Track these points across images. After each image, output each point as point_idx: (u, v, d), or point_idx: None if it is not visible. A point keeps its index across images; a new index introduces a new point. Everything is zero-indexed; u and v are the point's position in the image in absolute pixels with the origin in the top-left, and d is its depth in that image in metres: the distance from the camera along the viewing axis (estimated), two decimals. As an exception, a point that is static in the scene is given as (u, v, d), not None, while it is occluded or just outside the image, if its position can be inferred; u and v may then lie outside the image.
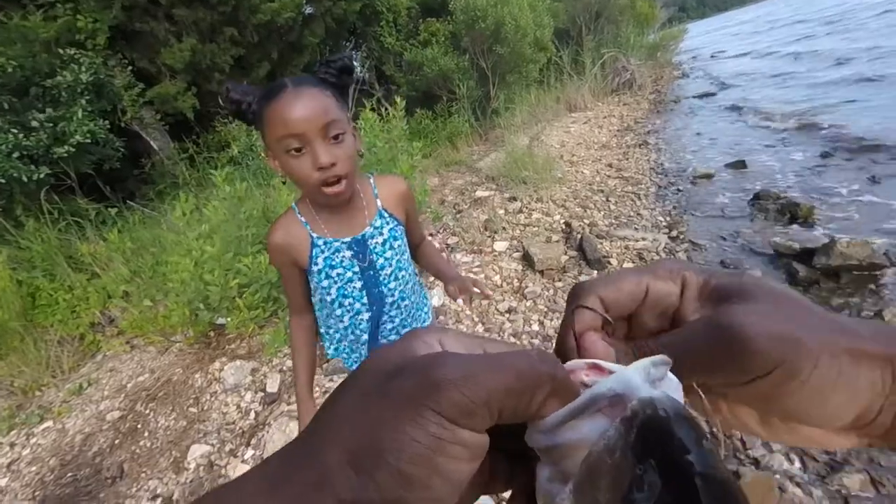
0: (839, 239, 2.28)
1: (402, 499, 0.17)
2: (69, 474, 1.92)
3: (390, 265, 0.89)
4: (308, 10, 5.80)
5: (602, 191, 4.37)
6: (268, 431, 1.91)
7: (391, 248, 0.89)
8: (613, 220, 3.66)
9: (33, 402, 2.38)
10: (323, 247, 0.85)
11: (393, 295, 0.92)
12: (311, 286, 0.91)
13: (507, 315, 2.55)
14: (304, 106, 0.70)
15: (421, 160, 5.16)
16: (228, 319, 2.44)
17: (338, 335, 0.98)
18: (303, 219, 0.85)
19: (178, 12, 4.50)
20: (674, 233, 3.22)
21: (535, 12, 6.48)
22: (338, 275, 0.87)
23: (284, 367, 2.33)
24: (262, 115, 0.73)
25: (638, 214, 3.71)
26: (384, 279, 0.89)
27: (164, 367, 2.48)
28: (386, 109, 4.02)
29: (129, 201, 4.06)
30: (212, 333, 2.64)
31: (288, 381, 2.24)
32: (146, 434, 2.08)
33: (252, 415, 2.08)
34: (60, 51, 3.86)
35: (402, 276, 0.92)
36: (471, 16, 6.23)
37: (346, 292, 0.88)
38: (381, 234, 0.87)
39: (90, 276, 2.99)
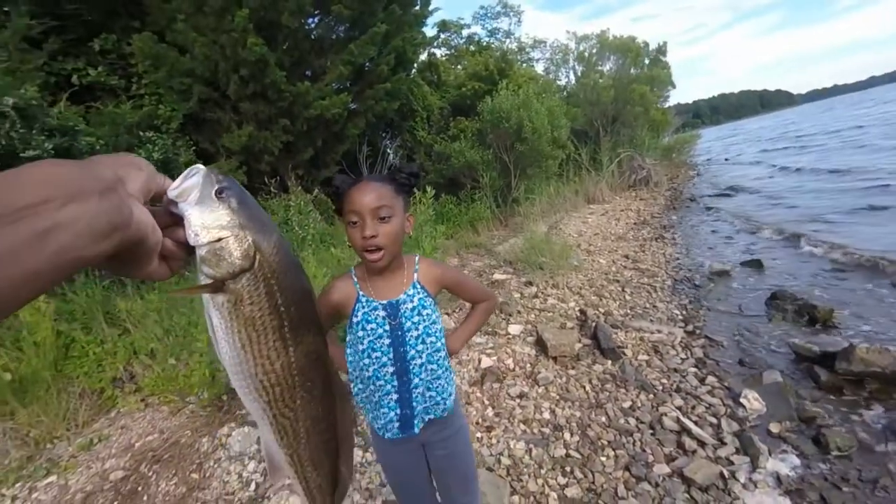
0: (858, 345, 2.25)
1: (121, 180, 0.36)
2: (62, 535, 1.89)
3: (417, 329, 1.03)
4: (352, 105, 6.61)
5: (618, 281, 4.44)
6: (266, 505, 1.87)
7: (419, 314, 1.03)
8: (629, 311, 3.68)
9: (43, 454, 2.40)
10: (364, 303, 1.03)
11: (420, 357, 1.04)
12: (351, 335, 1.07)
13: (518, 400, 2.51)
14: (365, 193, 0.95)
15: (443, 241, 5.43)
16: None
17: (368, 387, 1.08)
18: (355, 279, 1.06)
19: (243, 105, 5.24)
20: (690, 327, 3.21)
21: (551, 115, 7.17)
22: (371, 329, 1.02)
23: (290, 438, 2.32)
24: (344, 197, 0.99)
25: (654, 306, 3.73)
26: (410, 340, 1.03)
27: (174, 428, 2.50)
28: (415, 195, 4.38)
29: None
30: (225, 397, 2.68)
31: (292, 453, 2.21)
32: (145, 498, 2.05)
33: (252, 486, 2.04)
34: (141, 133, 4.49)
35: (430, 342, 1.05)
36: (496, 116, 6.95)
37: (375, 345, 1.02)
38: (412, 301, 1.03)
39: (122, 332, 3.16)
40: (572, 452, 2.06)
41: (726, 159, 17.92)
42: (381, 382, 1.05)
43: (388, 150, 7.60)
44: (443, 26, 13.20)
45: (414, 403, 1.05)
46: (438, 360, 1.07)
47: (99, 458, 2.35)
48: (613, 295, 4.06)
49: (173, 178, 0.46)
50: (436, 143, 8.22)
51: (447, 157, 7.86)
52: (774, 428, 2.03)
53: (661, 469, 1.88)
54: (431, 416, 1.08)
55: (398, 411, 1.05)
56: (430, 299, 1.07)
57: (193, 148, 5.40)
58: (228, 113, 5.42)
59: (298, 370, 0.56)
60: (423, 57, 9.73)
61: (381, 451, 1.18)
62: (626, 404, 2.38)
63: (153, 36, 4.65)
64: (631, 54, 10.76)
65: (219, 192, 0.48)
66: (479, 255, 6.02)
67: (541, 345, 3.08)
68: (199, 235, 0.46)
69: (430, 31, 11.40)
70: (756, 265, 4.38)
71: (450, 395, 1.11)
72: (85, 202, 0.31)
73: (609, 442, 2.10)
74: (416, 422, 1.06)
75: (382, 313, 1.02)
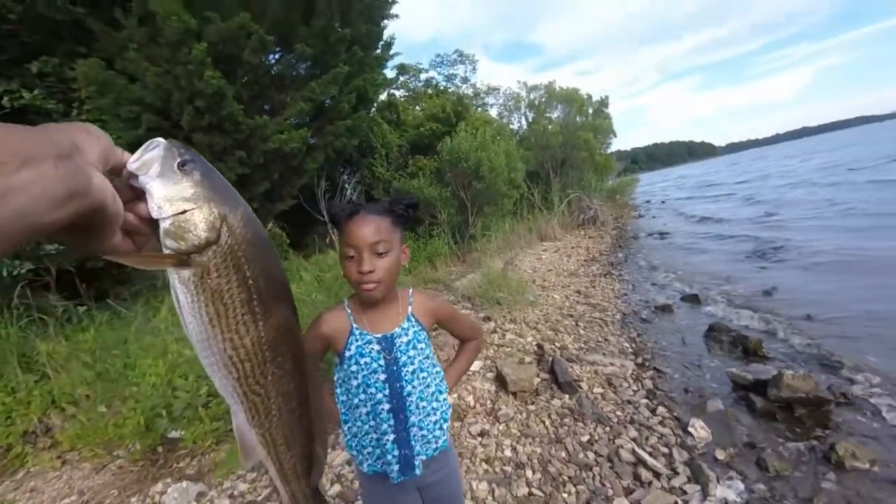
0: (785, 372, 2.47)
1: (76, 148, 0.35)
2: None
3: (412, 364, 1.01)
4: (312, 140, 6.60)
5: (572, 315, 4.60)
6: (205, 572, 1.68)
7: (414, 348, 1.02)
8: (583, 345, 3.81)
9: (-74, 528, 2.02)
10: (358, 336, 1.00)
11: (413, 395, 1.01)
12: (341, 371, 1.02)
13: (479, 438, 2.48)
14: (362, 225, 0.94)
15: (402, 277, 5.41)
16: (183, 432, 2.28)
17: (363, 427, 1.02)
18: (349, 311, 1.03)
19: (197, 136, 5.08)
20: (639, 359, 3.37)
21: (509, 157, 7.57)
22: (365, 363, 0.99)
23: (235, 492, 2.12)
24: (340, 227, 0.98)
25: (606, 340, 3.89)
26: (406, 376, 1.00)
27: (98, 487, 2.21)
28: None
29: (104, 300, 4.00)
30: (160, 449, 2.43)
31: (237, 509, 2.02)
32: (56, 574, 1.77)
33: (190, 550, 1.83)
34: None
35: (423, 378, 1.03)
36: (455, 156, 7.22)
37: (369, 381, 0.99)
38: (406, 335, 1.01)
39: (39, 377, 2.81)
40: (535, 490, 2.05)
41: (662, 202, 19.56)
42: (377, 422, 1.00)
43: (347, 186, 7.60)
44: (402, 69, 13.76)
45: (412, 443, 1.01)
46: (429, 396, 1.05)
47: (-1, 530, 2.01)
48: (568, 329, 4.19)
49: None
50: (394, 180, 8.34)
51: (406, 193, 7.98)
52: (720, 454, 2.14)
53: (621, 503, 1.91)
54: (425, 457, 1.04)
55: (396, 452, 1.01)
56: (425, 333, 1.05)
57: (138, 177, 5.11)
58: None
59: (269, 344, 0.55)
60: (383, 97, 10.03)
61: (374, 493, 1.11)
62: (585, 438, 2.42)
63: (101, 62, 4.47)
64: (576, 104, 11.72)
65: (182, 165, 0.47)
66: (437, 291, 6.03)
67: (500, 380, 3.09)
68: (163, 208, 0.46)
69: (389, 72, 11.83)
70: (694, 300, 4.73)
71: (443, 431, 1.08)
72: (40, 167, 0.30)
73: (570, 478, 2.11)
74: (416, 462, 1.02)
75: (377, 347, 0.99)
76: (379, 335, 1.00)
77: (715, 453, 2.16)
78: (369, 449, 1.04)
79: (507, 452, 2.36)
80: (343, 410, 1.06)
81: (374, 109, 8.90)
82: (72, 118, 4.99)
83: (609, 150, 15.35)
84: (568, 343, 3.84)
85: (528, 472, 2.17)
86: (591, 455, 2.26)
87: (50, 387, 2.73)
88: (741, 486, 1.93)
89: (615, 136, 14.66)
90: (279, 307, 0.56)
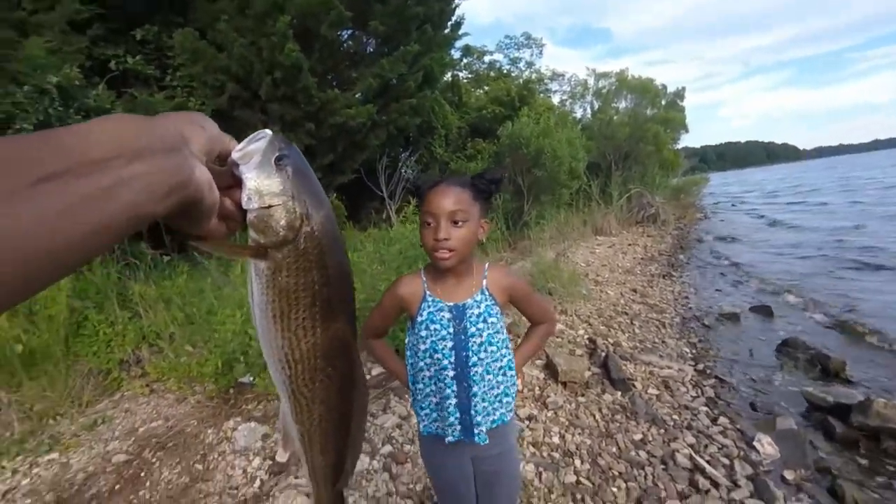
0: (876, 399, 2.25)
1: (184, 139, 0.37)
2: (61, 514, 1.85)
3: (481, 336, 1.02)
4: (376, 116, 6.74)
5: (626, 313, 4.44)
6: (272, 503, 1.84)
7: (484, 321, 1.03)
8: (637, 344, 3.68)
9: (46, 430, 2.36)
10: (430, 303, 1.04)
11: (479, 366, 1.02)
12: (412, 335, 1.07)
13: (527, 422, 2.49)
14: (443, 195, 0.97)
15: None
16: (255, 379, 2.48)
17: (424, 390, 1.08)
18: (424, 278, 1.07)
19: (272, 106, 5.35)
20: (700, 366, 3.20)
21: (571, 146, 7.31)
22: (434, 330, 1.03)
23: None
24: (421, 195, 1.02)
25: (663, 342, 3.72)
26: (473, 346, 1.02)
27: (180, 416, 2.47)
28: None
29: (184, 252, 4.38)
30: (231, 391, 2.66)
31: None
32: (147, 484, 2.01)
33: (257, 482, 2.01)
34: (171, 123, 4.58)
35: (491, 351, 1.04)
36: (515, 141, 7.08)
37: (437, 347, 1.02)
38: (478, 307, 1.03)
39: (132, 315, 3.15)
40: (583, 480, 2.03)
41: (733, 205, 18.14)
42: (439, 386, 1.04)
43: (406, 165, 7.70)
44: (466, 51, 13.57)
45: (473, 412, 1.03)
46: (496, 370, 1.05)
47: (102, 440, 2.31)
48: (622, 327, 4.06)
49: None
50: (452, 161, 8.34)
51: (462, 175, 7.98)
52: (789, 475, 2.01)
53: (675, 505, 1.85)
54: (485, 427, 1.06)
55: (458, 416, 1.04)
56: (497, 308, 1.06)
57: (218, 143, 5.49)
58: (257, 112, 5.53)
59: (322, 353, 0.56)
60: (447, 78, 9.97)
61: (431, 454, 1.16)
62: (637, 437, 2.35)
63: (195, 32, 4.79)
64: (649, 95, 11.02)
65: (278, 160, 0.48)
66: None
67: (550, 369, 3.06)
68: (252, 200, 0.47)
69: (454, 53, 11.72)
70: (765, 311, 4.39)
71: (504, 406, 1.09)
72: (150, 160, 0.31)
73: (620, 473, 2.07)
74: (475, 430, 1.04)
75: (448, 315, 1.02)
76: (451, 304, 1.03)
77: (783, 473, 2.03)
78: (427, 410, 1.09)
79: (556, 439, 2.35)
80: (410, 372, 1.10)
81: (437, 90, 8.89)
82: (165, 83, 5.42)
83: (677, 147, 14.43)
84: (622, 340, 3.71)
85: (577, 462, 2.15)
86: (643, 454, 2.21)
87: (141, 324, 3.05)
88: (812, 510, 1.81)
89: (687, 131, 13.73)
90: (340, 319, 0.57)
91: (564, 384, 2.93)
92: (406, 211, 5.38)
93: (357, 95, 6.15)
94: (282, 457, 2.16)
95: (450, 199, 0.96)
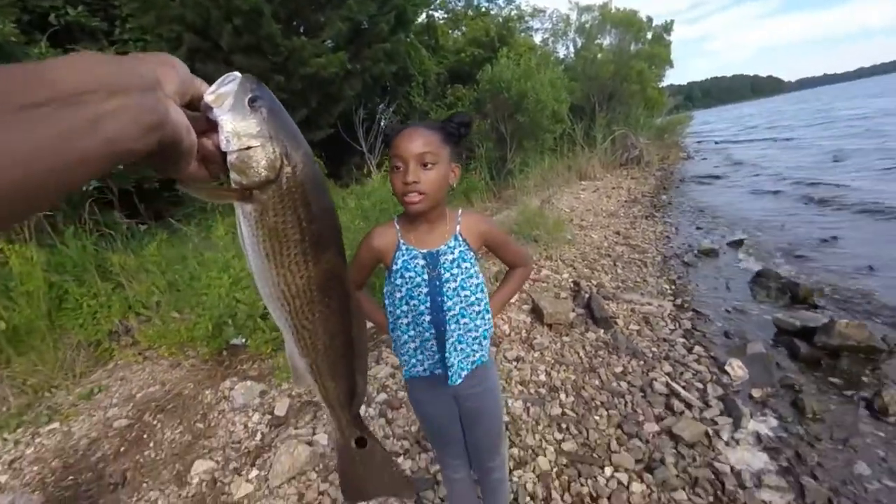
0: (838, 320, 2.39)
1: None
2: (70, 477, 1.92)
3: (454, 281, 1.04)
4: (349, 65, 6.38)
5: (609, 255, 4.54)
6: (274, 453, 1.93)
7: (458, 266, 1.05)
8: (620, 284, 3.79)
9: (43, 402, 2.40)
10: (404, 251, 1.05)
11: (454, 310, 1.05)
12: (389, 284, 1.09)
13: (514, 363, 2.60)
14: (410, 139, 0.96)
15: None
16: (246, 340, 2.52)
17: (402, 336, 1.11)
18: (398, 227, 1.07)
19: (237, 58, 5.00)
20: (679, 301, 3.33)
21: (554, 88, 7.07)
22: (409, 277, 1.04)
23: (293, 393, 2.37)
24: (390, 141, 1.00)
25: (644, 280, 3.85)
26: (447, 291, 1.04)
27: (176, 380, 2.53)
28: None
29: (161, 219, 4.27)
30: (224, 353, 2.70)
31: (296, 406, 2.27)
32: (151, 444, 2.09)
33: (259, 436, 2.10)
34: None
35: (465, 296, 1.06)
36: (496, 86, 6.81)
37: (412, 294, 1.04)
38: (452, 253, 1.04)
39: (115, 286, 3.11)
40: (568, 411, 2.17)
41: (716, 143, 18.10)
42: (417, 331, 1.07)
43: (384, 116, 7.40)
44: (441, -13, 12.65)
45: (449, 354, 1.07)
46: (472, 313, 1.08)
47: (101, 407, 2.36)
48: (605, 268, 4.16)
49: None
50: (432, 111, 8.04)
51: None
52: (756, 393, 2.17)
53: (651, 427, 2.00)
54: (464, 370, 1.09)
55: (436, 354, 1.08)
56: (471, 252, 1.07)
57: (181, 101, 5.17)
58: (220, 65, 5.17)
59: (317, 285, 0.58)
60: (422, 19, 9.36)
61: (416, 395, 1.20)
62: (618, 369, 2.49)
63: (139, -24, 4.35)
64: (633, 29, 10.56)
65: (252, 101, 0.48)
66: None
67: (536, 312, 3.17)
68: (230, 142, 0.47)
69: (428, -10, 10.90)
70: (741, 245, 4.53)
71: (482, 348, 1.12)
72: (127, 97, 0.31)
73: (602, 403, 2.21)
74: (451, 372, 1.07)
75: (422, 262, 1.03)
76: (424, 251, 1.03)
77: (751, 391, 2.19)
78: (407, 356, 1.12)
79: (542, 377, 2.47)
80: (390, 320, 1.13)
81: (411, 33, 8.37)
82: (115, 37, 4.99)
83: (662, 84, 14.06)
84: (605, 281, 3.83)
85: (562, 395, 2.28)
86: (623, 385, 2.35)
87: (125, 294, 3.03)
88: (775, 422, 1.97)
89: (672, 66, 13.32)
90: (329, 251, 0.58)
91: (550, 326, 3.04)
92: (386, 164, 5.25)
93: (327, 42, 5.77)
94: (298, 388, 2.20)
95: (418, 142, 0.95)
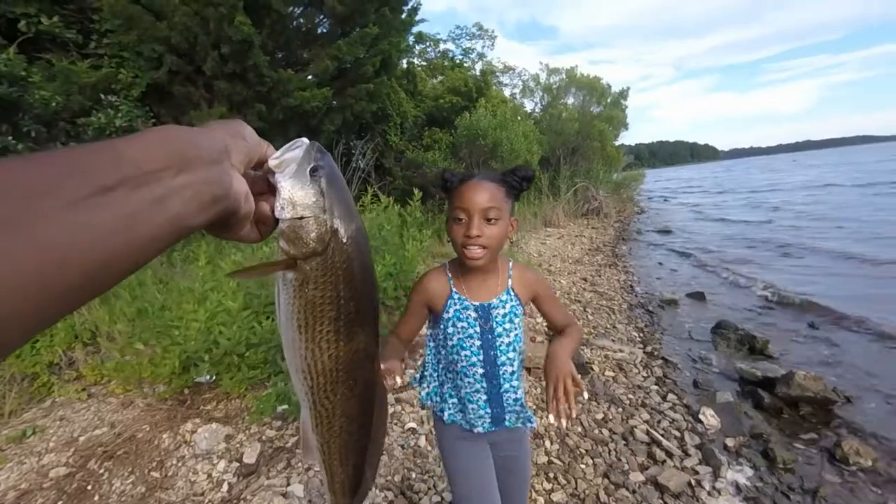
0: (797, 371, 2.58)
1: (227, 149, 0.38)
2: (-9, 539, 1.63)
3: (508, 336, 1.03)
4: (332, 101, 6.46)
5: (579, 301, 4.69)
6: (245, 507, 1.75)
7: (510, 321, 1.03)
8: (592, 329, 3.91)
9: (-38, 445, 2.06)
10: (456, 300, 1.03)
11: (511, 364, 1.04)
12: (438, 331, 1.07)
13: (497, 408, 2.56)
14: (476, 191, 0.95)
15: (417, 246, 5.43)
16: (210, 377, 2.33)
17: (451, 381, 1.08)
18: (450, 275, 1.06)
19: (219, 84, 4.94)
20: (649, 348, 3.47)
21: (527, 140, 7.50)
22: (461, 328, 1.03)
23: (264, 437, 2.19)
24: (452, 191, 0.99)
25: (614, 327, 3.99)
26: (501, 346, 1.02)
27: (128, 421, 2.26)
28: (378, 198, 4.26)
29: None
30: (186, 391, 2.48)
31: (268, 453, 2.09)
32: (97, 497, 1.83)
33: (225, 486, 1.90)
34: (102, 95, 4.08)
35: (520, 350, 1.05)
36: (473, 133, 7.13)
37: (464, 344, 1.03)
38: (503, 307, 1.03)
39: (61, 312, 2.81)
40: (554, 459, 2.14)
41: (665, 199, 19.65)
42: (470, 380, 1.04)
43: (360, 152, 7.47)
44: (419, 38, 13.35)
45: (505, 405, 1.05)
46: (520, 370, 1.07)
47: (34, 453, 2.06)
48: (577, 314, 4.28)
49: None
50: (408, 150, 8.23)
51: (418, 165, 7.90)
52: (730, 442, 2.25)
53: (637, 477, 2.01)
54: (512, 424, 1.08)
55: (488, 410, 1.06)
56: (521, 308, 1.06)
57: (153, 120, 4.99)
58: (200, 89, 5.08)
59: (344, 366, 0.57)
60: (403, 64, 9.76)
61: (452, 440, 1.15)
62: (599, 416, 2.52)
63: (127, -5, 4.28)
64: (596, 93, 11.56)
65: (313, 171, 0.48)
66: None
67: (515, 356, 3.17)
68: (285, 209, 0.47)
69: (409, 39, 11.47)
70: (699, 297, 4.84)
71: (526, 410, 1.12)
72: (195, 172, 0.32)
73: (587, 451, 2.21)
74: (506, 417, 1.07)
75: (474, 314, 1.02)
76: (477, 303, 1.02)
77: (725, 441, 2.28)
78: (454, 401, 1.09)
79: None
80: (432, 363, 1.10)
81: (393, 76, 8.67)
82: (89, 50, 4.81)
83: (617, 143, 15.30)
84: (578, 327, 3.93)
85: (547, 443, 2.26)
86: (605, 432, 2.37)
87: (73, 321, 2.74)
88: (750, 471, 2.05)
89: (626, 129, 14.58)
90: (364, 331, 0.58)
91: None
92: (363, 200, 5.24)
93: (312, 78, 5.86)
94: (305, 462, 2.00)
95: (484, 196, 0.94)
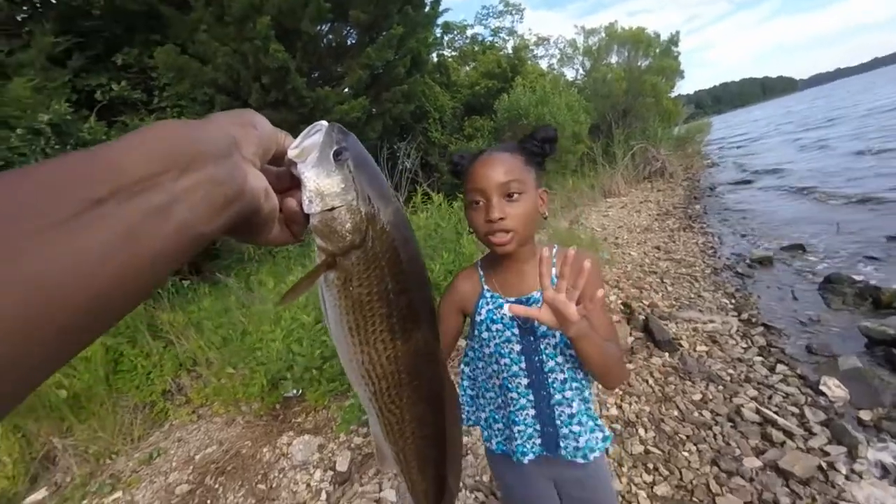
0: (942, 325, 2.16)
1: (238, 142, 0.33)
2: (137, 552, 1.85)
3: (554, 336, 0.84)
4: (371, 109, 6.59)
5: (655, 272, 4.35)
6: (343, 515, 1.82)
7: None
8: (674, 302, 3.59)
9: (105, 470, 2.37)
10: (489, 299, 0.88)
11: (561, 371, 0.85)
12: (474, 340, 0.92)
13: (580, 397, 2.44)
14: (490, 166, 0.79)
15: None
16: (299, 391, 2.45)
17: (494, 401, 0.92)
18: (481, 272, 0.91)
19: (266, 113, 5.19)
20: (744, 315, 3.11)
21: (571, 111, 7.10)
22: (497, 330, 0.86)
23: (353, 445, 2.27)
24: (462, 171, 0.85)
25: (699, 296, 3.63)
26: (546, 349, 0.85)
27: (233, 438, 2.46)
28: (429, 197, 4.27)
29: (198, 273, 4.35)
30: (278, 406, 2.64)
31: (358, 460, 2.16)
32: (216, 511, 2.01)
33: (323, 495, 1.99)
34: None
35: (570, 355, 0.85)
36: (513, 113, 6.90)
37: (502, 351, 0.86)
38: None
39: (165, 344, 3.14)
40: (651, 448, 1.98)
41: (738, 147, 17.71)
42: (514, 395, 0.87)
43: (403, 154, 7.55)
44: (446, 28, 13.18)
45: (558, 422, 0.87)
46: (580, 376, 0.87)
47: (161, 472, 2.31)
48: (654, 286, 3.97)
49: None
50: (451, 143, 8.17)
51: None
52: (865, 415, 1.94)
53: (752, 462, 1.80)
54: (573, 443, 0.87)
55: (538, 427, 0.88)
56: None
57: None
58: (251, 121, 5.42)
59: (405, 367, 0.51)
60: (433, 58, 9.70)
61: (503, 473, 1.00)
62: (696, 397, 2.30)
63: (175, 48, 4.66)
64: (642, 45, 10.65)
65: (337, 154, 0.43)
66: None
67: (592, 340, 3.00)
68: (313, 203, 0.42)
69: (435, 32, 11.37)
70: (798, 249, 4.27)
71: (599, 424, 0.90)
72: (200, 171, 0.28)
73: (688, 436, 2.02)
74: (561, 442, 0.87)
75: (510, 313, 0.86)
76: (512, 299, 0.85)
77: (858, 414, 1.96)
78: (500, 425, 0.93)
79: (613, 410, 2.30)
80: (469, 382, 0.96)
81: (425, 72, 8.65)
82: (153, 106, 5.31)
83: (674, 95, 14.00)
84: (657, 300, 3.63)
85: (641, 431, 2.11)
86: (707, 414, 2.15)
87: (176, 352, 3.04)
88: (897, 448, 1.74)
89: (683, 77, 13.28)
90: (421, 327, 0.51)
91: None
92: (414, 200, 5.28)
93: (348, 90, 6.00)
94: (383, 471, 2.06)
95: (499, 170, 0.78)
